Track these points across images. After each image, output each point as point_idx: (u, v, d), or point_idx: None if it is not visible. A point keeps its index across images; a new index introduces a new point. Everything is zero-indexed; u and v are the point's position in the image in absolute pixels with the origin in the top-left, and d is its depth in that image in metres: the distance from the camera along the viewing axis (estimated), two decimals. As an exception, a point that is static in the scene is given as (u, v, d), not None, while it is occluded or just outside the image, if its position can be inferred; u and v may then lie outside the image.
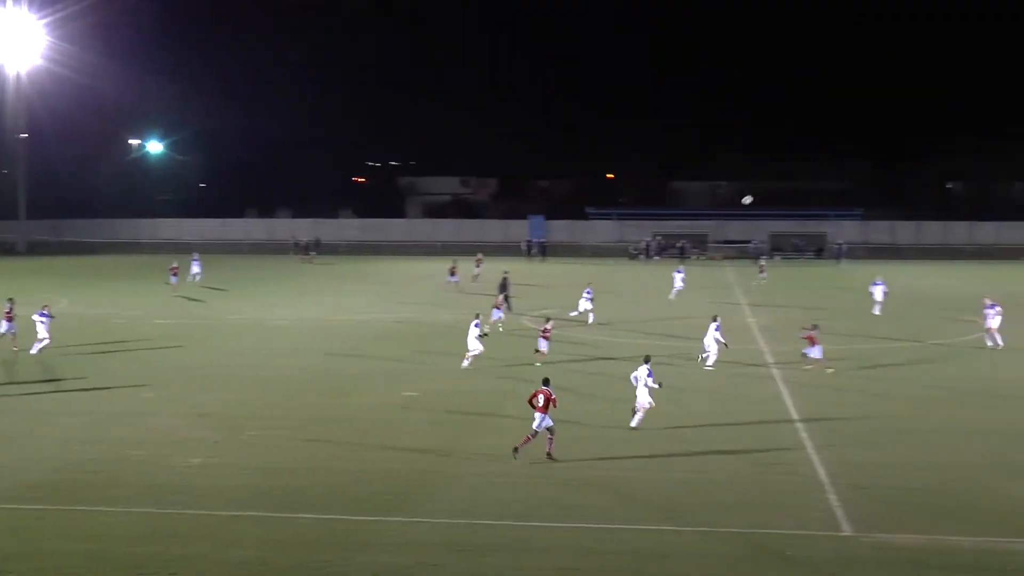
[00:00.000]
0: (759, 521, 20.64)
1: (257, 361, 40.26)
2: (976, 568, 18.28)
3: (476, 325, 39.31)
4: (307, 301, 61.70)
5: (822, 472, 24.11)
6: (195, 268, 70.94)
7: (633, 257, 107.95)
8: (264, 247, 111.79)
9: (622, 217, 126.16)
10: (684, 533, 19.97)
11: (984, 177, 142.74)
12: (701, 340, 38.95)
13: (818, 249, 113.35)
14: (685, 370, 37.66)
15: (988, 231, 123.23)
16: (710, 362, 38.51)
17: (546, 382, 25.64)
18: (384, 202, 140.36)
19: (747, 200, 52.19)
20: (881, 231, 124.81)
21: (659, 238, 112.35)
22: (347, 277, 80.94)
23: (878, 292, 55.23)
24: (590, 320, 50.33)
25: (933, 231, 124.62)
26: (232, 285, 70.89)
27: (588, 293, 51.64)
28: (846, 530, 20.13)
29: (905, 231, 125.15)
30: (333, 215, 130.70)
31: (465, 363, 38.43)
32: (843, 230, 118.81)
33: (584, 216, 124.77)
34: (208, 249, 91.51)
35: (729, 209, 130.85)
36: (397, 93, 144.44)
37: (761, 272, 75.49)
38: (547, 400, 25.01)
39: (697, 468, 24.46)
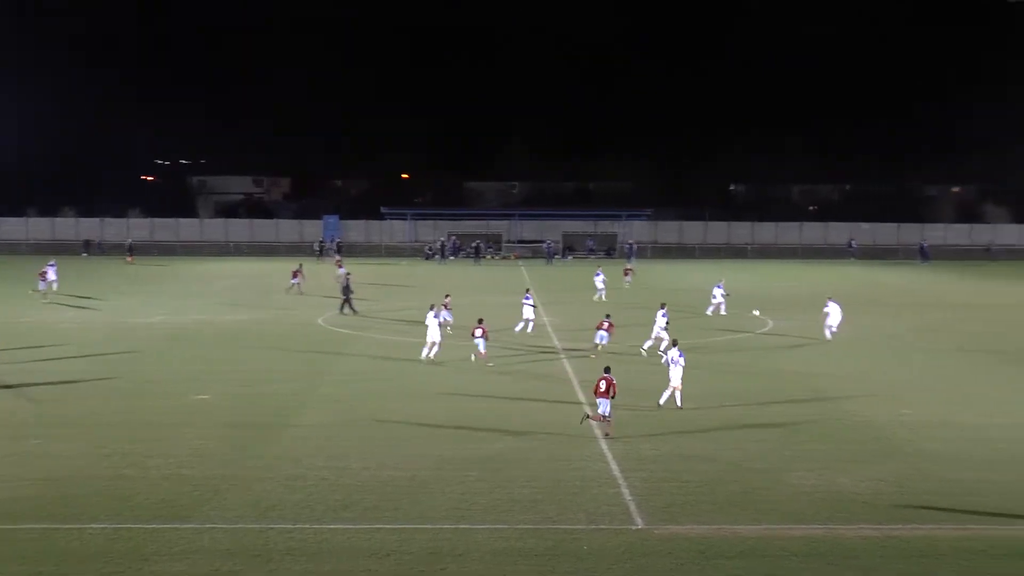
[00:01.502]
0: (554, 517, 20.94)
1: (41, 366, 38.58)
2: (759, 555, 18.97)
3: (436, 316, 40.05)
4: (99, 303, 59.58)
5: (615, 467, 24.63)
6: (51, 275, 66.06)
7: (428, 257, 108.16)
8: (46, 248, 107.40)
9: (417, 217, 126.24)
10: (480, 531, 20.11)
11: (764, 180, 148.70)
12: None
13: (609, 249, 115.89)
14: (469, 367, 37.99)
15: (768, 231, 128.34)
16: (646, 346, 40.94)
17: (607, 370, 28.22)
18: (174, 201, 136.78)
19: (756, 312, 53.54)
20: (669, 231, 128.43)
21: (454, 238, 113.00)
22: (138, 278, 78.47)
23: (718, 294, 56.15)
24: (530, 328, 47.08)
25: (718, 231, 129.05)
26: (12, 286, 67.89)
27: (528, 299, 47.90)
28: (638, 523, 20.62)
29: (692, 231, 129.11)
30: (121, 214, 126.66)
31: (425, 353, 39.29)
32: (633, 230, 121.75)
33: (379, 216, 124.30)
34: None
35: (523, 208, 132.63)
36: (187, 90, 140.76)
37: (626, 275, 74.09)
38: (608, 386, 27.45)
39: (491, 466, 24.64)
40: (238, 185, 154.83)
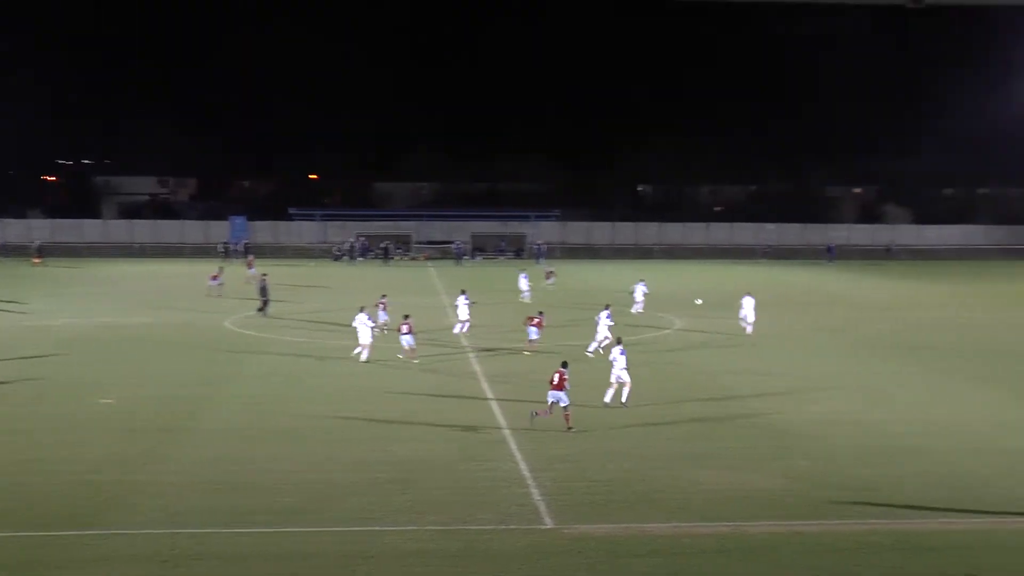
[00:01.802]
0: (464, 518, 20.94)
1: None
2: (669, 552, 19.14)
3: (368, 318, 40.15)
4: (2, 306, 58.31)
5: (524, 467, 24.70)
6: None
7: (337, 258, 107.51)
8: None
9: (326, 218, 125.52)
10: (391, 533, 20.02)
11: (671, 181, 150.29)
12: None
13: (518, 249, 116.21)
14: (386, 367, 37.90)
15: (675, 232, 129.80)
16: (591, 348, 41.10)
17: (564, 364, 28.92)
18: (77, 202, 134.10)
19: (698, 302, 54.19)
20: (578, 232, 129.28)
21: (363, 239, 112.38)
22: (44, 280, 76.82)
23: (639, 292, 57.40)
24: (466, 329, 47.14)
25: (626, 232, 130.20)
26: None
27: (465, 299, 47.77)
28: (548, 523, 20.69)
29: (601, 232, 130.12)
30: (21, 215, 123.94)
31: (364, 355, 39.52)
32: (542, 231, 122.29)
33: (287, 217, 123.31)
34: None
35: (432, 209, 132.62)
36: (89, 88, 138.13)
37: (548, 278, 73.70)
38: (560, 379, 28.36)
39: (403, 467, 24.57)
40: (143, 186, 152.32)
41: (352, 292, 65.00)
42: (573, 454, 25.94)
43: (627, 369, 31.57)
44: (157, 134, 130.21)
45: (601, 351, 40.36)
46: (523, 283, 64.82)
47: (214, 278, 65.24)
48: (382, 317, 45.72)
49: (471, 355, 41.83)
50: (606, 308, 43.05)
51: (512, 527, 20.42)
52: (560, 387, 28.32)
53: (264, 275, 58.19)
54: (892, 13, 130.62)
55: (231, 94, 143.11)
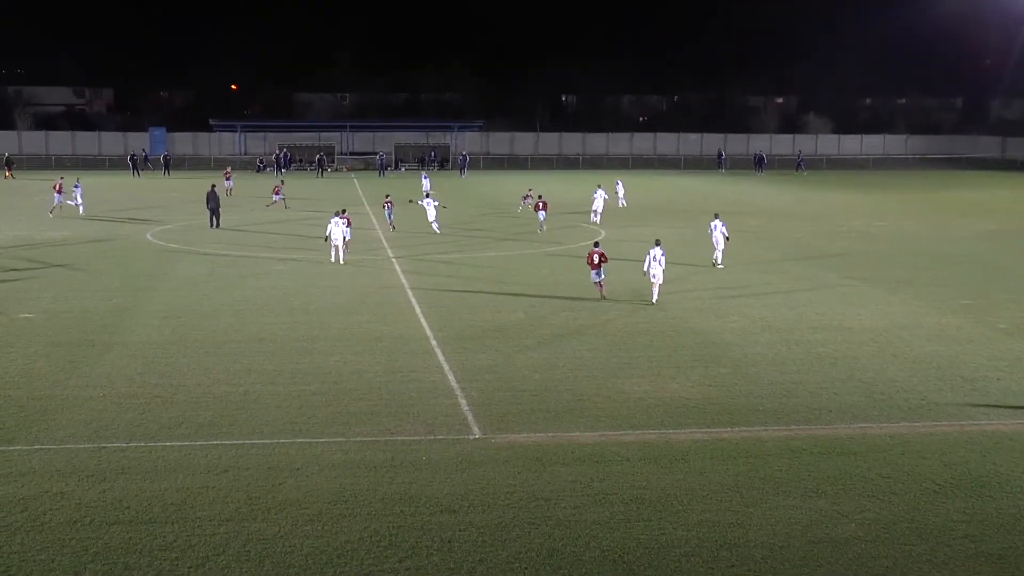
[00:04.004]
0: (392, 428, 21.02)
1: None
2: (595, 460, 19.39)
3: (345, 224, 42.62)
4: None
5: (451, 378, 24.81)
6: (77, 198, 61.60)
7: (260, 170, 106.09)
8: None
9: (247, 129, 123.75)
10: (317, 445, 20.05)
11: (595, 91, 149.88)
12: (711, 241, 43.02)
13: (442, 160, 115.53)
14: (312, 281, 37.74)
15: (599, 142, 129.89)
16: (718, 259, 42.52)
17: (596, 244, 35.48)
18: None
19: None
20: (502, 142, 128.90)
21: (285, 150, 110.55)
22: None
23: (620, 191, 68.17)
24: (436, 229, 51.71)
25: (550, 142, 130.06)
26: None
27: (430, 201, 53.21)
28: (476, 433, 20.85)
29: (524, 142, 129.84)
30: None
31: (341, 259, 41.86)
32: (465, 142, 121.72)
33: (208, 128, 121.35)
34: None
35: (353, 120, 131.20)
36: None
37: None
38: (600, 258, 34.18)
39: (328, 379, 24.57)
40: (58, 96, 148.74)
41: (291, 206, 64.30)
42: (499, 364, 26.09)
43: (664, 270, 34.01)
44: (72, 43, 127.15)
45: (718, 256, 42.33)
46: (425, 184, 72.32)
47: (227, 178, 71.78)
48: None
49: (396, 263, 41.77)
50: (716, 217, 43.29)
51: (440, 437, 20.55)
52: (598, 265, 34.12)
53: (213, 185, 57.22)
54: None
55: (150, 1, 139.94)
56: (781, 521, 16.70)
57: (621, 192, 68.57)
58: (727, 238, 42.62)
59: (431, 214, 51.61)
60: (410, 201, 57.17)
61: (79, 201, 60.60)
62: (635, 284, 36.71)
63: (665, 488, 18.04)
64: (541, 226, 52.98)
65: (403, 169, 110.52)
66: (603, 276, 34.60)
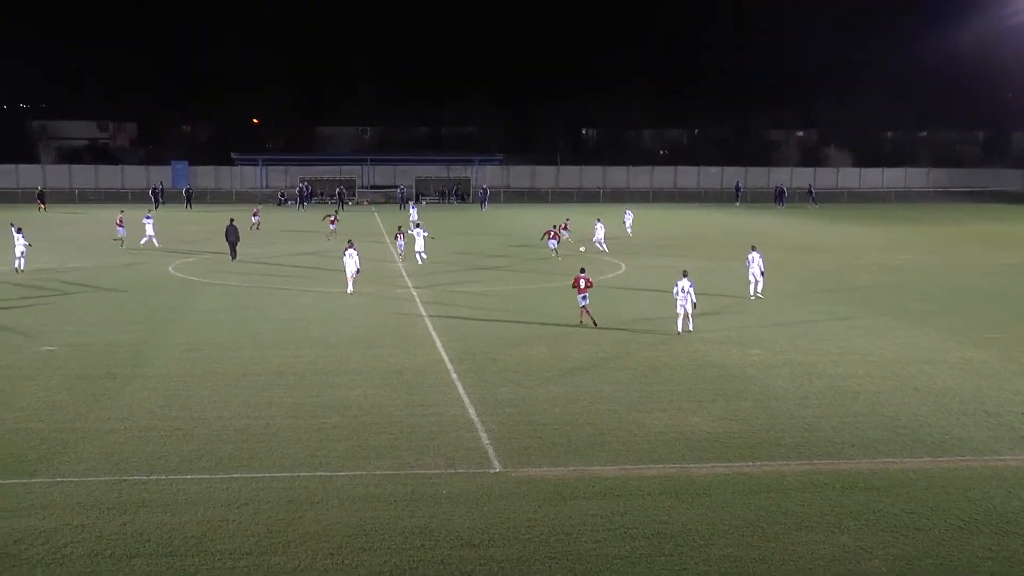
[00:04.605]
0: (412, 462, 20.96)
1: None
2: (615, 494, 19.28)
3: (352, 253, 43.36)
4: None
5: (472, 411, 24.75)
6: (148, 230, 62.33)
7: (281, 203, 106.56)
8: None
9: (268, 163, 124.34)
10: (337, 478, 20.01)
11: (615, 124, 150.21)
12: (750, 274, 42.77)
13: (462, 194, 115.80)
14: (330, 310, 37.80)
15: (619, 175, 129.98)
16: (757, 291, 42.84)
17: (583, 270, 36.63)
18: (14, 147, 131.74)
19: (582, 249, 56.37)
20: (522, 176, 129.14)
21: (306, 183, 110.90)
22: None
23: (628, 220, 71.98)
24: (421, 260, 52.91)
25: (570, 175, 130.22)
26: None
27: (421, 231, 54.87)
28: (496, 467, 20.76)
29: (545, 175, 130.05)
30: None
31: (350, 288, 42.82)
32: (486, 175, 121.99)
33: (229, 162, 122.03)
34: None
35: (375, 154, 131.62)
36: (24, 28, 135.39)
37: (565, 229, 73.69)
38: (586, 283, 35.65)
39: (349, 413, 24.53)
40: (82, 130, 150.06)
41: (306, 239, 64.55)
42: (520, 398, 26.01)
43: (695, 302, 34.80)
44: (96, 77, 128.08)
45: (757, 289, 42.62)
46: (413, 213, 76.86)
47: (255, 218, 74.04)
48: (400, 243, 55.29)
49: (416, 295, 41.80)
50: (753, 249, 43.42)
51: (460, 471, 20.48)
52: (585, 290, 35.47)
53: (232, 219, 57.74)
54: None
55: (171, 37, 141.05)
56: (804, 556, 16.56)
57: (629, 221, 72.34)
58: (763, 272, 42.77)
59: (419, 244, 52.71)
60: (399, 228, 58.27)
61: (151, 233, 61.51)
62: (653, 316, 36.62)
63: (686, 523, 17.92)
64: (556, 251, 56.90)
65: (424, 203, 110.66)
66: (587, 301, 35.87)
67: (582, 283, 35.59)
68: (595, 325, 35.31)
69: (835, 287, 46.46)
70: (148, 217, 63.49)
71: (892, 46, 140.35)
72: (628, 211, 74.07)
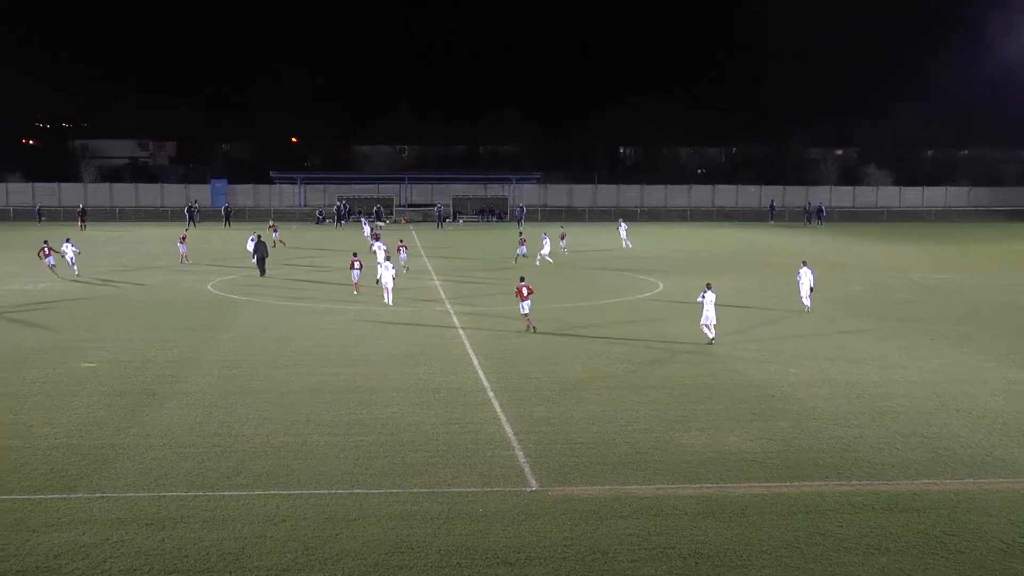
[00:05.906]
0: (448, 480, 20.97)
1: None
2: (652, 514, 19.21)
3: (388, 265, 45.13)
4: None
5: (509, 429, 24.74)
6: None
7: (319, 222, 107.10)
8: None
9: (307, 181, 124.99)
10: (374, 496, 20.04)
11: (652, 143, 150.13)
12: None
13: (500, 212, 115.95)
14: (368, 329, 37.90)
15: (657, 194, 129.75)
16: (806, 303, 43.77)
17: (522, 279, 38.66)
18: (56, 166, 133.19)
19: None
20: (559, 194, 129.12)
21: (344, 201, 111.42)
22: (12, 244, 76.41)
23: (623, 233, 74.97)
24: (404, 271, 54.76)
25: (608, 194, 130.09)
26: None
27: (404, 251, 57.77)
28: (533, 485, 20.74)
29: (582, 194, 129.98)
30: None
31: (389, 300, 44.52)
32: (523, 193, 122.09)
33: (268, 180, 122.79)
34: None
35: (412, 172, 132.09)
36: (69, 51, 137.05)
37: (562, 239, 71.47)
38: (529, 291, 37.37)
39: (386, 430, 24.58)
40: (122, 149, 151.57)
41: (340, 256, 64.78)
42: (557, 417, 25.97)
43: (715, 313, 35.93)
44: (136, 96, 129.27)
45: (807, 302, 43.25)
46: (366, 229, 79.75)
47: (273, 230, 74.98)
48: (403, 258, 56.74)
49: (452, 313, 41.85)
50: (804, 264, 44.21)
51: (497, 489, 20.46)
52: (527, 298, 37.17)
53: (258, 234, 59.03)
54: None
55: (212, 56, 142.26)
56: (843, 578, 16.43)
57: (624, 234, 75.67)
58: (812, 288, 43.49)
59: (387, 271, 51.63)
60: (400, 242, 60.32)
61: (183, 252, 63.59)
62: (690, 334, 36.55)
63: (724, 543, 17.82)
64: (563, 250, 64.70)
65: (461, 221, 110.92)
66: (528, 309, 37.70)
67: (524, 291, 37.40)
68: (535, 331, 37.47)
69: (873, 306, 46.12)
70: (183, 240, 64.49)
71: (933, 63, 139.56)
72: (622, 222, 78.32)
